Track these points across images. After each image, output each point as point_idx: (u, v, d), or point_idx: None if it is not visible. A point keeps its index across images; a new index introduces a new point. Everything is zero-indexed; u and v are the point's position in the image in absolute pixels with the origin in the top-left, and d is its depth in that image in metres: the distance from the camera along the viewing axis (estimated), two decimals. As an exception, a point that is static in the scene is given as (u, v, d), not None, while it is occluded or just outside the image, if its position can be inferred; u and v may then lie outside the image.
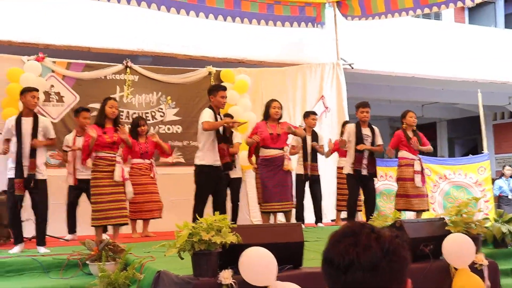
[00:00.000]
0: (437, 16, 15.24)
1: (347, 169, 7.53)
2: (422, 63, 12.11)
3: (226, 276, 3.50)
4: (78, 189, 7.12)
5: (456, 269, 4.22)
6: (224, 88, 6.81)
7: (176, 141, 8.92)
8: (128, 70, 8.76)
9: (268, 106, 7.15)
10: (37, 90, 6.13)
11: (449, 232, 4.39)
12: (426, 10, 8.81)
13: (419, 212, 7.59)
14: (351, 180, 7.54)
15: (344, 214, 8.72)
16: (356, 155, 7.41)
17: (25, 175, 5.79)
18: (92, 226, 6.19)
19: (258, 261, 3.49)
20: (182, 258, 3.70)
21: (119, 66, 8.71)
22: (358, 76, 11.32)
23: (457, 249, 4.19)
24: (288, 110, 7.57)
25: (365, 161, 7.39)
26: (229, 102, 8.38)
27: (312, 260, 4.12)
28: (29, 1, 8.46)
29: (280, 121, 7.17)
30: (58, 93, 8.31)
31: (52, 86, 8.25)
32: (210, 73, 9.23)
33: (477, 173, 9.53)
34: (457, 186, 9.44)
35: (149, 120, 8.65)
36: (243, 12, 9.41)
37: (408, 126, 7.64)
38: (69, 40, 8.84)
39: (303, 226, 8.07)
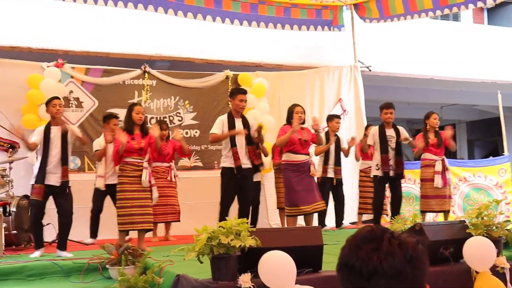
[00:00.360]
0: (456, 17, 15.13)
1: (374, 171, 7.54)
2: (441, 64, 12.02)
3: (245, 279, 3.50)
4: (104, 193, 7.18)
5: (477, 272, 4.18)
6: (244, 92, 6.87)
7: (194, 145, 8.94)
8: (146, 75, 8.81)
9: (291, 111, 7.12)
10: (57, 98, 6.25)
11: (469, 235, 4.35)
12: (446, 11, 8.74)
13: (444, 213, 7.55)
14: (377, 182, 7.53)
15: (364, 217, 8.72)
16: (382, 157, 7.40)
17: (58, 183, 5.93)
18: (119, 230, 6.25)
19: (277, 265, 3.49)
20: (201, 262, 3.71)
21: (137, 71, 8.77)
22: (376, 79, 11.27)
23: (478, 252, 4.15)
24: (306, 114, 7.56)
25: (391, 162, 7.38)
26: (247, 106, 8.38)
27: (331, 263, 4.10)
28: (48, 8, 8.54)
29: (303, 126, 7.16)
30: (77, 99, 8.39)
31: (71, 91, 8.33)
32: (227, 77, 9.25)
33: (498, 175, 9.45)
34: (477, 188, 9.36)
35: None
36: (260, 16, 9.42)
37: (431, 127, 7.61)
38: (87, 46, 8.92)
39: (327, 229, 8.18)
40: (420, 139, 7.64)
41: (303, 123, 7.14)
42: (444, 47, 12.19)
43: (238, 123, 6.71)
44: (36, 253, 5.88)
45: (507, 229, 4.72)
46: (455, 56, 12.23)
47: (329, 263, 4.09)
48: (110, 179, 7.02)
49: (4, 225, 6.19)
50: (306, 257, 3.86)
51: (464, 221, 4.66)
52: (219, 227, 3.63)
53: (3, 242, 6.04)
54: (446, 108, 15.62)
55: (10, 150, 7.85)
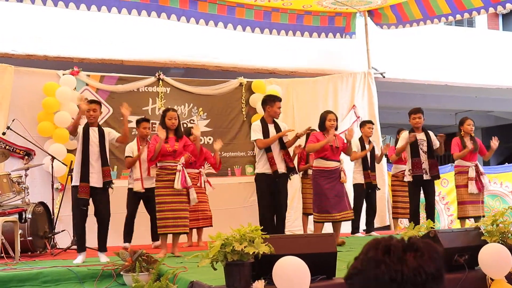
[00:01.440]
0: (470, 23, 15.06)
1: (407, 177, 7.58)
2: (455, 70, 11.97)
3: (259, 286, 3.50)
4: (138, 199, 7.23)
5: (492, 279, 4.15)
6: (280, 99, 7.02)
7: (208, 152, 8.98)
8: (160, 82, 8.87)
9: (324, 118, 7.11)
10: (94, 102, 6.36)
11: (484, 242, 4.31)
12: (466, 15, 8.71)
13: (476, 218, 7.53)
14: (411, 187, 7.56)
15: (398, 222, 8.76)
16: (414, 161, 7.42)
17: (101, 184, 6.02)
18: (158, 234, 6.32)
19: (291, 271, 3.48)
20: (215, 269, 3.71)
21: (152, 79, 8.83)
22: (390, 85, 11.24)
23: (494, 259, 4.11)
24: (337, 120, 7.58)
25: (425, 165, 7.39)
26: (260, 112, 8.42)
27: (345, 270, 4.09)
28: (63, 17, 8.64)
29: (336, 132, 7.18)
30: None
31: (86, 99, 8.39)
32: (241, 84, 9.29)
33: (513, 181, 9.38)
34: (492, 195, 9.30)
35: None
36: (272, 23, 9.47)
37: (465, 133, 7.63)
38: (102, 53, 9.00)
39: (360, 235, 8.19)
40: (455, 146, 7.61)
41: (336, 130, 7.17)
42: (458, 53, 12.13)
43: (271, 128, 6.83)
44: (79, 259, 5.89)
45: (523, 236, 4.67)
46: (470, 62, 12.17)
47: (343, 270, 4.07)
48: (145, 183, 7.11)
49: (20, 231, 6.24)
50: (320, 264, 3.85)
51: (479, 228, 4.63)
52: (233, 234, 3.63)
53: (19, 248, 6.08)
54: (461, 114, 15.48)
55: (26, 157, 7.93)
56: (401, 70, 11.21)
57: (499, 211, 4.63)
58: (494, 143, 7.73)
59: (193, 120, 9.03)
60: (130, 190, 7.35)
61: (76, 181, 6.04)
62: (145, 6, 8.32)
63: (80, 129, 6.10)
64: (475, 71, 12.17)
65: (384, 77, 10.41)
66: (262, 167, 6.79)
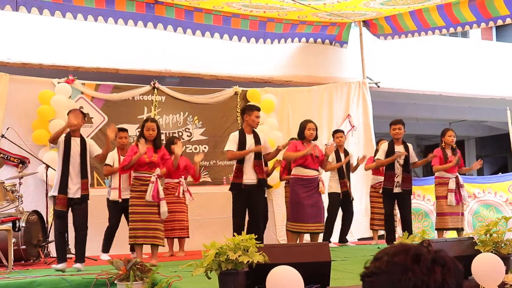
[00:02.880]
0: (465, 34, 15.15)
1: (380, 189, 7.61)
2: (449, 80, 12.03)
3: (253, 295, 3.50)
4: (120, 208, 7.17)
5: (486, 289, 4.16)
6: (258, 109, 6.94)
7: (203, 161, 8.96)
8: (155, 91, 8.88)
9: (303, 127, 7.13)
10: (80, 111, 6.35)
11: (478, 252, 4.33)
12: (459, 29, 8.79)
13: (458, 230, 7.53)
14: (384, 197, 7.56)
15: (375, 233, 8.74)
16: (387, 173, 7.40)
17: (79, 195, 5.99)
18: (129, 244, 6.31)
19: (285, 280, 3.48)
20: (209, 278, 3.71)
21: (147, 87, 8.84)
22: (385, 94, 11.29)
23: (487, 269, 4.12)
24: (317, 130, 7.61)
25: (398, 179, 7.35)
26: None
27: (339, 279, 4.10)
28: (59, 25, 8.64)
29: (313, 142, 7.17)
30: (87, 114, 8.44)
31: (81, 107, 8.39)
32: (236, 93, 9.31)
33: (508, 191, 9.39)
34: (486, 205, 9.31)
35: (163, 142, 8.72)
36: (267, 33, 9.53)
37: (446, 144, 7.61)
38: (98, 62, 9.01)
39: (350, 244, 8.21)
40: (436, 157, 7.60)
41: (315, 139, 7.16)
42: (452, 64, 12.20)
43: (250, 138, 6.77)
44: (60, 266, 5.86)
45: (516, 246, 4.69)
46: (464, 72, 12.24)
47: (337, 279, 4.08)
48: (126, 193, 7.07)
49: (13, 240, 6.22)
50: (314, 273, 3.86)
51: (473, 238, 4.65)
52: (227, 243, 3.64)
53: (12, 257, 6.06)
54: (455, 124, 15.58)
55: (20, 165, 7.91)
56: (396, 80, 11.26)
57: (492, 221, 4.65)
58: (476, 165, 7.74)
59: (188, 129, 9.04)
60: (109, 200, 7.29)
61: (54, 192, 6.03)
62: (141, 17, 8.35)
63: (61, 139, 6.06)
64: (469, 81, 12.24)
65: (378, 86, 10.46)
66: (234, 177, 6.76)
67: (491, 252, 4.34)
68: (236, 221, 6.71)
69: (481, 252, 4.33)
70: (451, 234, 7.94)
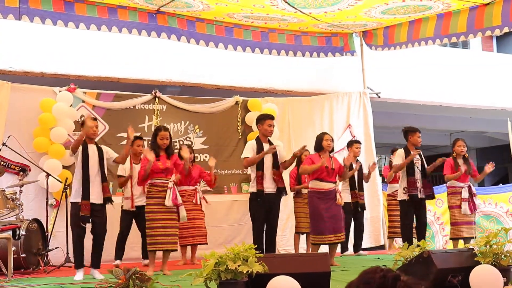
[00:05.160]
0: (465, 45, 15.20)
1: (401, 196, 7.56)
2: (450, 91, 12.06)
3: (252, 305, 3.50)
4: (131, 216, 7.26)
5: (485, 301, 4.15)
6: (271, 117, 7.04)
7: (204, 170, 8.99)
8: (156, 100, 8.90)
9: (320, 139, 7.17)
10: (94, 119, 6.35)
11: (478, 263, 4.33)
12: (445, 40, 8.78)
13: (467, 239, 7.54)
14: (404, 207, 7.53)
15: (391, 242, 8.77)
16: (409, 179, 7.43)
17: (99, 200, 6.07)
18: (148, 250, 6.32)
19: (284, 291, 3.48)
20: (208, 288, 3.71)
21: (148, 96, 8.86)
22: (385, 105, 11.31)
23: (485, 280, 4.12)
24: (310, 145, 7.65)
25: (419, 184, 7.41)
26: (256, 131, 8.44)
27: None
28: (61, 34, 8.68)
29: (331, 154, 7.22)
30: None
31: (82, 116, 8.40)
32: (237, 103, 9.33)
33: (508, 202, 9.39)
34: (487, 216, 9.31)
35: (177, 149, 8.75)
36: (271, 44, 9.52)
37: (457, 154, 7.69)
38: (99, 71, 9.04)
39: (362, 252, 8.27)
40: (448, 167, 7.65)
41: (332, 150, 7.19)
42: (453, 74, 12.23)
43: (266, 147, 6.85)
44: (79, 275, 5.90)
45: (516, 258, 4.68)
46: (464, 83, 12.27)
47: (337, 290, 4.08)
48: (138, 200, 7.14)
49: (13, 248, 6.22)
50: (313, 284, 3.86)
51: (473, 249, 4.64)
52: (227, 252, 3.64)
53: (12, 265, 6.06)
54: (455, 134, 15.58)
55: (21, 173, 7.92)
56: (397, 90, 11.29)
57: (492, 232, 4.65)
58: (489, 167, 7.77)
59: (189, 138, 9.06)
60: (122, 209, 7.39)
61: (76, 198, 6.04)
62: (144, 26, 8.37)
63: (80, 146, 6.13)
64: (469, 92, 12.26)
65: (379, 97, 10.47)
66: (252, 186, 6.85)
67: (491, 263, 4.33)
68: (257, 225, 6.77)
69: (481, 264, 4.32)
70: (450, 245, 7.94)
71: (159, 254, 6.35)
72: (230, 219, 9.01)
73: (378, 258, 7.42)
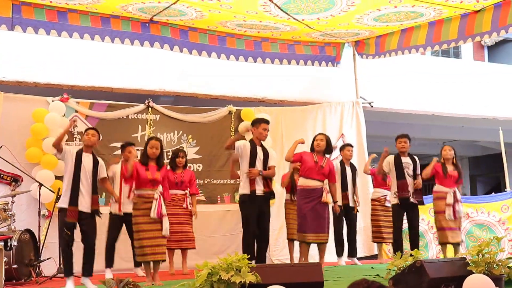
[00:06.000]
0: (457, 55, 15.30)
1: (392, 200, 7.65)
2: (442, 101, 12.12)
3: (245, 316, 3.49)
4: (120, 223, 7.23)
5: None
6: (266, 121, 7.07)
7: (198, 179, 8.96)
8: (150, 109, 8.90)
9: (313, 139, 7.38)
10: (93, 128, 6.39)
11: (470, 272, 4.34)
12: (436, 47, 8.81)
13: (455, 245, 7.55)
14: (397, 210, 7.60)
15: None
16: (399, 183, 7.49)
17: (88, 209, 6.04)
18: (140, 262, 6.32)
19: (277, 301, 3.48)
20: (201, 298, 3.70)
21: (141, 106, 8.86)
22: (378, 114, 11.35)
23: (478, 289, 4.13)
24: (308, 148, 7.66)
25: (410, 188, 7.48)
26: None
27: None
28: (54, 44, 8.68)
29: (327, 156, 7.35)
30: (81, 133, 8.45)
31: (76, 126, 8.41)
32: (230, 112, 9.34)
33: (501, 211, 9.41)
34: (479, 224, 9.32)
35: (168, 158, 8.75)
36: (264, 53, 9.54)
37: (445, 160, 7.70)
38: (92, 81, 9.04)
39: (356, 260, 8.29)
40: (433, 169, 7.67)
41: (329, 151, 7.33)
42: (445, 84, 12.30)
43: (259, 150, 6.91)
44: (70, 284, 5.87)
45: (508, 267, 4.71)
46: (457, 92, 12.34)
47: (330, 300, 4.08)
48: (126, 207, 7.10)
49: (4, 259, 6.18)
50: (307, 294, 3.86)
51: (465, 258, 4.66)
52: (220, 262, 3.64)
53: (3, 276, 6.01)
54: (448, 143, 15.61)
55: (13, 183, 7.89)
56: (389, 99, 11.33)
57: (484, 241, 4.66)
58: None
59: (183, 147, 9.05)
60: (111, 213, 7.35)
61: (64, 203, 6.01)
62: (137, 36, 8.38)
63: (73, 152, 6.12)
64: (461, 101, 12.33)
65: (372, 106, 10.51)
66: (243, 187, 6.83)
67: (484, 272, 4.35)
68: (249, 229, 6.73)
69: (473, 273, 4.34)
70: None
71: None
72: (223, 229, 8.99)
73: (372, 268, 7.42)
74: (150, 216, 6.12)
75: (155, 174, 6.27)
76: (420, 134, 13.88)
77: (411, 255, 4.75)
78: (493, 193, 10.33)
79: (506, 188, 9.79)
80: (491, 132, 11.81)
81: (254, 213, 6.75)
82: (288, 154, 7.29)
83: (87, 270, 6.07)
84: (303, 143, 7.35)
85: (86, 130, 6.36)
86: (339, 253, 8.30)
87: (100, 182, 6.32)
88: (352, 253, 8.48)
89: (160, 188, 6.30)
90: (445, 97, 12.14)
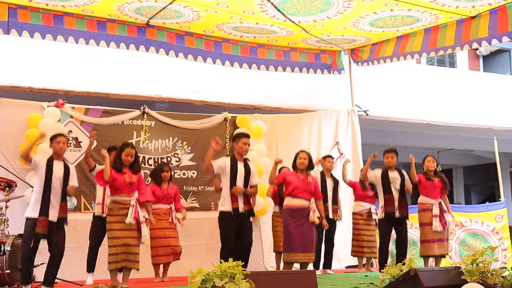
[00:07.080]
0: (452, 64, 15.37)
1: (379, 214, 7.61)
2: (437, 110, 12.16)
3: (238, 324, 3.48)
4: (102, 228, 7.04)
5: (472, 319, 4.16)
6: (246, 135, 6.99)
7: (191, 186, 8.96)
8: (145, 115, 8.89)
9: (295, 156, 7.21)
10: (62, 135, 6.29)
11: (464, 282, 4.34)
12: (432, 54, 8.82)
13: (438, 257, 7.53)
14: (383, 226, 7.58)
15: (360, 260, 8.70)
16: (386, 198, 7.47)
17: (56, 218, 5.90)
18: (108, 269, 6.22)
19: (271, 309, 3.47)
20: (195, 305, 3.68)
21: (137, 112, 8.84)
22: (373, 122, 11.38)
23: (472, 299, 4.14)
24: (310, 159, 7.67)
25: (396, 203, 7.44)
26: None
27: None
28: (49, 49, 8.67)
29: (310, 172, 7.20)
30: (75, 139, 8.44)
31: (70, 131, 8.39)
32: (226, 119, 9.34)
33: (494, 221, 9.44)
34: (473, 234, 9.34)
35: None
36: (259, 59, 9.55)
37: (428, 170, 7.66)
38: (88, 86, 9.02)
39: (330, 271, 8.18)
40: (417, 178, 7.65)
41: (310, 168, 7.17)
42: (440, 93, 12.35)
43: (240, 166, 6.80)
44: None
45: (502, 276, 4.71)
46: (451, 101, 12.38)
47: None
48: None
49: (-2, 264, 6.15)
50: (301, 302, 3.84)
51: (459, 267, 4.66)
52: (214, 269, 3.63)
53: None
54: (443, 152, 15.70)
55: (7, 189, 7.84)
56: (385, 108, 11.36)
57: (478, 251, 4.67)
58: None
59: (177, 154, 9.04)
60: (94, 215, 7.27)
61: (33, 213, 5.90)
62: (133, 40, 8.38)
63: (43, 160, 6.03)
64: (456, 110, 12.37)
65: (367, 114, 10.53)
66: (224, 204, 6.75)
67: (478, 282, 4.35)
68: (227, 247, 6.65)
69: (467, 282, 4.34)
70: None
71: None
72: (216, 236, 8.93)
73: (366, 276, 7.41)
74: (126, 222, 6.04)
75: (132, 177, 6.21)
76: (415, 143, 13.92)
77: (404, 263, 4.74)
78: (487, 202, 10.36)
79: (500, 198, 9.82)
80: (486, 142, 11.85)
81: (233, 230, 6.66)
82: (270, 177, 7.15)
83: (50, 279, 5.97)
84: (281, 162, 7.26)
85: (55, 137, 6.15)
86: (316, 265, 8.20)
87: (68, 190, 6.14)
88: (327, 265, 8.40)
89: (136, 194, 6.23)
90: (440, 106, 12.18)
